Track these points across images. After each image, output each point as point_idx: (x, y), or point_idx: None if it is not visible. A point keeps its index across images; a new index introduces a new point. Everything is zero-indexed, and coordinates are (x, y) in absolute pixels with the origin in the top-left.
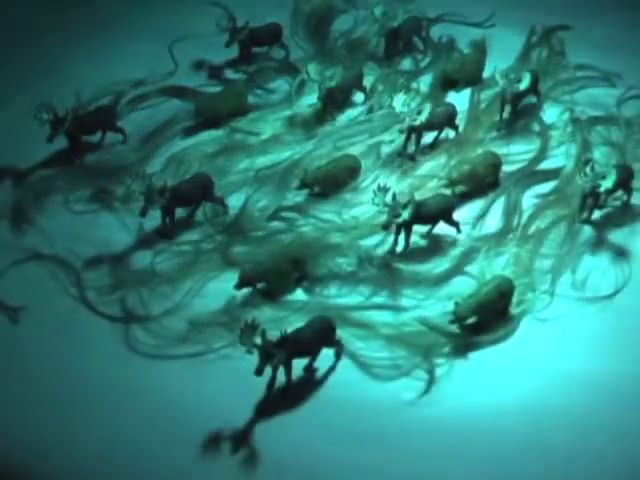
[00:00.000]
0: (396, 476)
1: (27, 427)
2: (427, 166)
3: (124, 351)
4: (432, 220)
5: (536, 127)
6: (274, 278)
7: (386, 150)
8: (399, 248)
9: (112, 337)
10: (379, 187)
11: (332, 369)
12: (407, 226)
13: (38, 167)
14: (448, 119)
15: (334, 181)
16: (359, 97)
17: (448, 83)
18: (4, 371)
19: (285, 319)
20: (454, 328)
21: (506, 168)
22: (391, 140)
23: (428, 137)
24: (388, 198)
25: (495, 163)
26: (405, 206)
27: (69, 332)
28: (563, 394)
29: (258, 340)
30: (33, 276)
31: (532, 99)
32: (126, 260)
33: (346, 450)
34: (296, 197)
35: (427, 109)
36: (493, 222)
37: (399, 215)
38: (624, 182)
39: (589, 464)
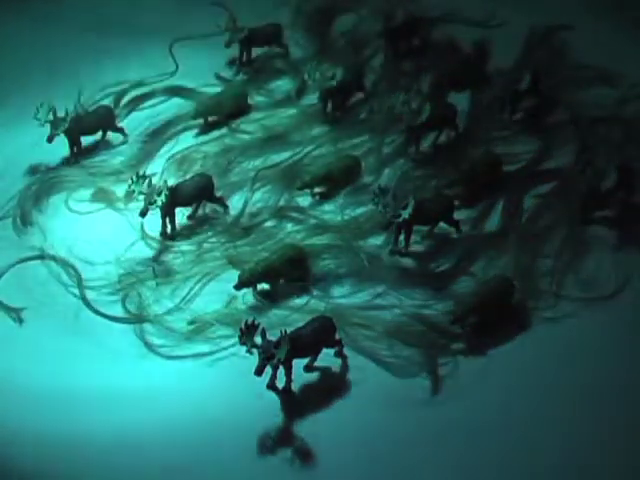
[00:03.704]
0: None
1: (28, 428)
2: (427, 166)
3: (126, 351)
4: (432, 220)
5: (536, 127)
6: (274, 278)
7: (386, 150)
8: (399, 248)
9: (113, 337)
10: (379, 187)
11: (343, 369)
12: (407, 226)
13: (38, 167)
14: (448, 119)
15: (334, 181)
16: (359, 97)
17: (449, 83)
18: (6, 371)
19: (285, 319)
20: (455, 328)
21: (506, 168)
22: (391, 140)
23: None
24: (388, 198)
25: (495, 163)
26: (405, 206)
27: (70, 332)
28: (565, 394)
29: (258, 340)
30: (33, 276)
31: (532, 99)
32: (126, 260)
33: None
34: (296, 197)
35: (427, 109)
36: (493, 222)
37: (399, 215)
38: (624, 182)
39: (601, 462)
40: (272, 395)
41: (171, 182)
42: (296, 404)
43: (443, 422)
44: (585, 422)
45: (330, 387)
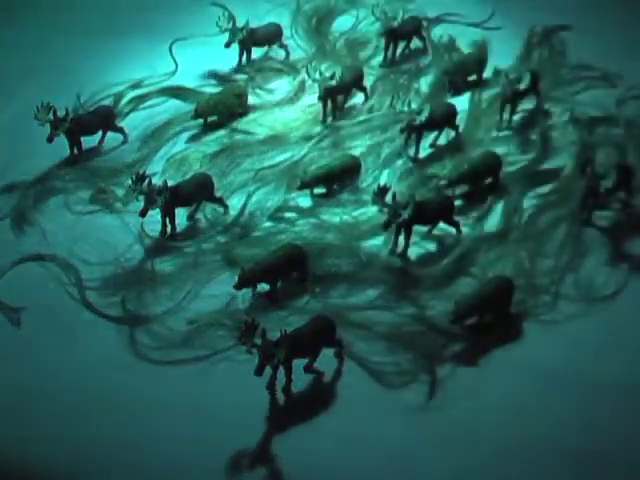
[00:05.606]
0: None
1: (29, 428)
2: (427, 166)
3: (126, 352)
4: (432, 220)
5: (536, 127)
6: (274, 278)
7: (386, 150)
8: (399, 248)
9: (113, 338)
10: (379, 187)
11: (338, 373)
12: (407, 226)
13: (38, 167)
14: (448, 119)
15: (334, 181)
16: (359, 97)
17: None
18: (6, 371)
19: (285, 319)
20: (455, 328)
21: (506, 168)
22: (391, 140)
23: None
24: (388, 198)
25: (494, 163)
26: (405, 206)
27: (70, 333)
28: (566, 394)
29: (258, 340)
30: (34, 277)
31: (532, 99)
32: (126, 260)
33: (351, 456)
34: (296, 197)
35: (427, 109)
36: (493, 222)
37: (399, 215)
38: (624, 182)
39: (596, 463)
40: (268, 400)
41: (171, 182)
42: (293, 410)
43: (441, 427)
44: (585, 422)
45: (327, 392)
